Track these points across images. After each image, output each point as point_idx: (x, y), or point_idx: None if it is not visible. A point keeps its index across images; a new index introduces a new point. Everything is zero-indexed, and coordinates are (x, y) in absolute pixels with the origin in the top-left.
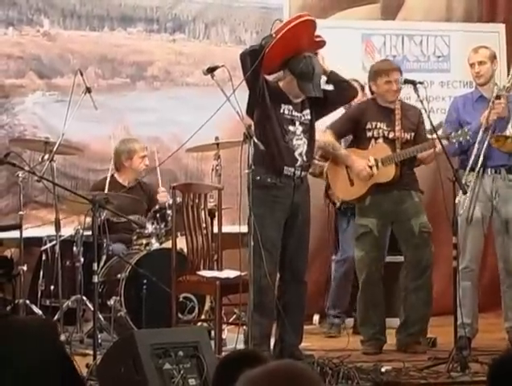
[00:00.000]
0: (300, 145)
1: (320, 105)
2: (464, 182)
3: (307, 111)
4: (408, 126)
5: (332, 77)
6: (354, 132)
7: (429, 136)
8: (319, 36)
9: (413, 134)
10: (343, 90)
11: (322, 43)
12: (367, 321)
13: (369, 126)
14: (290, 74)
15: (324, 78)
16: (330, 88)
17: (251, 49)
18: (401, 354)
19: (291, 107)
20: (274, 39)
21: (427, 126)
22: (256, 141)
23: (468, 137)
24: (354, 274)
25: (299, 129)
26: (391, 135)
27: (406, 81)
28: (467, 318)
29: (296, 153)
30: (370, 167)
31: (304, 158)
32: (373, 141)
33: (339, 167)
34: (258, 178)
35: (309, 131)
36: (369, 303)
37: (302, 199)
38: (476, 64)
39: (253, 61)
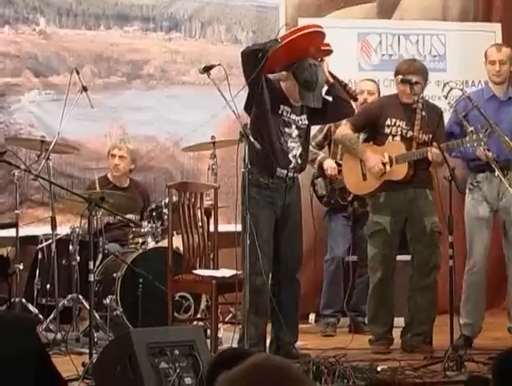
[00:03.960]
0: (295, 147)
1: (316, 114)
2: (470, 181)
3: (305, 116)
4: (427, 127)
5: (333, 91)
6: (373, 127)
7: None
8: (327, 44)
9: (431, 135)
10: (339, 107)
11: (329, 52)
12: (377, 319)
13: (388, 123)
14: (293, 79)
15: (325, 87)
16: (329, 98)
17: (254, 48)
18: (397, 353)
19: (289, 109)
20: (278, 45)
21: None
22: (252, 140)
23: (482, 143)
24: (345, 273)
25: (294, 132)
26: (409, 134)
27: (403, 80)
28: (469, 318)
29: (290, 155)
30: (384, 164)
31: (298, 160)
32: (390, 138)
33: (354, 161)
34: (251, 177)
35: (304, 135)
36: (380, 302)
37: (293, 200)
38: (497, 62)
39: (254, 61)
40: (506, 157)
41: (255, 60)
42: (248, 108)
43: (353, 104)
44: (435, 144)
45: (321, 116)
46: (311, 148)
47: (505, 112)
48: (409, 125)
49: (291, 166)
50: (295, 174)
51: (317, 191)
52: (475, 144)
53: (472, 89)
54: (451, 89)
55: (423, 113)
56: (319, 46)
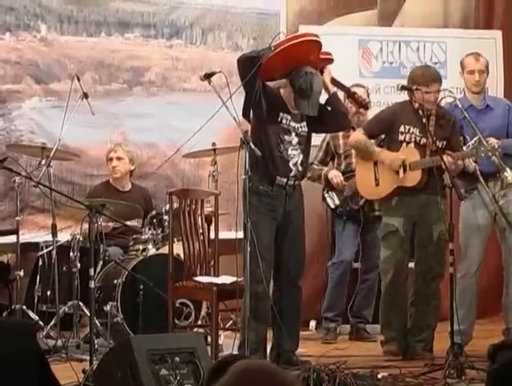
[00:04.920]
0: (296, 155)
1: (315, 121)
2: (465, 188)
3: (305, 123)
4: (441, 134)
5: (332, 101)
6: (387, 133)
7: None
8: (327, 53)
9: (445, 143)
10: (336, 118)
11: (328, 61)
12: (388, 324)
13: (402, 129)
14: (290, 86)
15: (326, 96)
16: (329, 108)
17: (248, 56)
18: (398, 360)
19: (289, 117)
20: (271, 52)
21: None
22: (253, 146)
23: (497, 153)
24: (350, 278)
25: (294, 139)
26: (423, 141)
27: (403, 87)
28: (461, 325)
29: (291, 164)
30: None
31: (299, 167)
32: (404, 144)
33: (367, 166)
34: (251, 184)
35: (305, 143)
36: (391, 305)
37: (294, 207)
38: (476, 72)
39: (249, 68)
40: (489, 167)
41: (250, 67)
42: (246, 114)
43: (365, 112)
44: (448, 151)
45: (319, 123)
46: (314, 166)
47: (484, 121)
48: (422, 132)
49: (292, 174)
50: (296, 182)
51: (329, 205)
52: (489, 154)
53: None
54: (442, 97)
55: (425, 120)
56: (315, 54)
